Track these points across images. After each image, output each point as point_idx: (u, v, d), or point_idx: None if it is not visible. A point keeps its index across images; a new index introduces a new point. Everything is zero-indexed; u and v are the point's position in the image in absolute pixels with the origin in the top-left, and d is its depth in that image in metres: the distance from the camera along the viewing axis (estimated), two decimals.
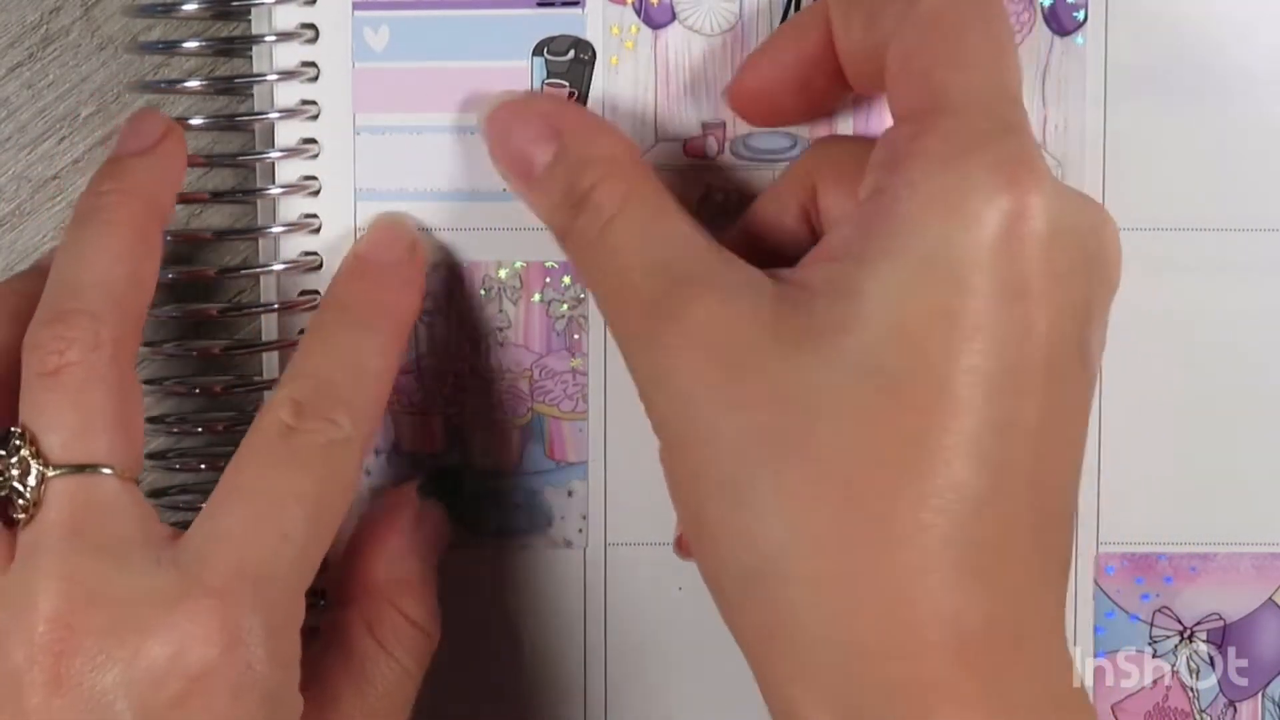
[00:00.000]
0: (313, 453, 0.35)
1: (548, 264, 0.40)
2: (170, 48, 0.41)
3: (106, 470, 0.34)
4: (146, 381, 0.41)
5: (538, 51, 0.40)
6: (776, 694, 0.32)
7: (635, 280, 0.34)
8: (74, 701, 0.32)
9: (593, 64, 0.40)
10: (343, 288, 0.38)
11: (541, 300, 0.40)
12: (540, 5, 0.40)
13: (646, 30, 0.40)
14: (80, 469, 0.34)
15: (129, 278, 0.35)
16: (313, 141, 0.40)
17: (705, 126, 0.40)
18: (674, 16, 0.40)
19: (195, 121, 0.40)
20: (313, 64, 0.40)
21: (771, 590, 0.31)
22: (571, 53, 0.40)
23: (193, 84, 0.40)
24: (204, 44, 0.40)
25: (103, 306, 0.34)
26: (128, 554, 0.33)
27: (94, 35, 0.42)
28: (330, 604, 0.38)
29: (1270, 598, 0.41)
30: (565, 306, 0.41)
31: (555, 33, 0.40)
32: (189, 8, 0.40)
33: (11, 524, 0.34)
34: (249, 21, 0.40)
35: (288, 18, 0.40)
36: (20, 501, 0.34)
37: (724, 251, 0.34)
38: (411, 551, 0.39)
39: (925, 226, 0.31)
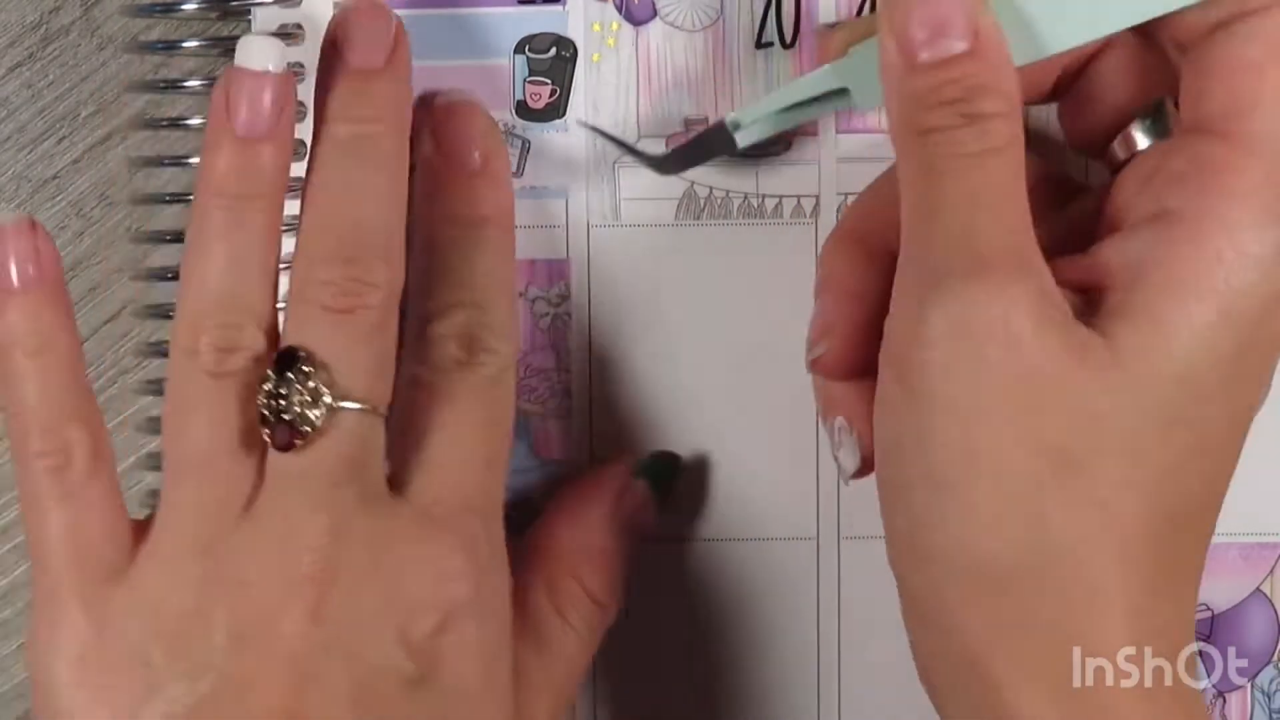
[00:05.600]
0: (486, 383, 0.36)
1: (532, 261, 0.40)
2: (170, 48, 0.41)
3: (383, 413, 0.34)
4: (149, 383, 0.42)
5: (519, 50, 0.40)
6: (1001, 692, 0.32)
7: (980, 222, 0.32)
8: (332, 633, 0.33)
9: (575, 61, 0.40)
10: (470, 207, 0.37)
11: (526, 298, 0.41)
12: (521, 3, 0.40)
13: (628, 27, 0.40)
14: (364, 408, 0.34)
15: (400, 222, 0.35)
16: (300, 143, 0.40)
17: (688, 122, 0.40)
18: (655, 13, 0.40)
19: (194, 121, 0.40)
20: (300, 65, 0.40)
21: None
22: (553, 50, 0.40)
23: (193, 84, 0.41)
24: (204, 44, 0.41)
25: (390, 254, 0.35)
26: (378, 494, 0.35)
27: (94, 35, 0.42)
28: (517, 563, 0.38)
29: (1258, 588, 0.41)
30: (549, 304, 0.41)
31: (537, 30, 0.40)
32: (189, 8, 0.40)
33: (259, 447, 0.34)
34: (249, 21, 0.40)
35: (270, 19, 0.40)
36: (305, 429, 0.34)
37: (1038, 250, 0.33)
38: (603, 525, 0.39)
39: (1242, 278, 0.31)
